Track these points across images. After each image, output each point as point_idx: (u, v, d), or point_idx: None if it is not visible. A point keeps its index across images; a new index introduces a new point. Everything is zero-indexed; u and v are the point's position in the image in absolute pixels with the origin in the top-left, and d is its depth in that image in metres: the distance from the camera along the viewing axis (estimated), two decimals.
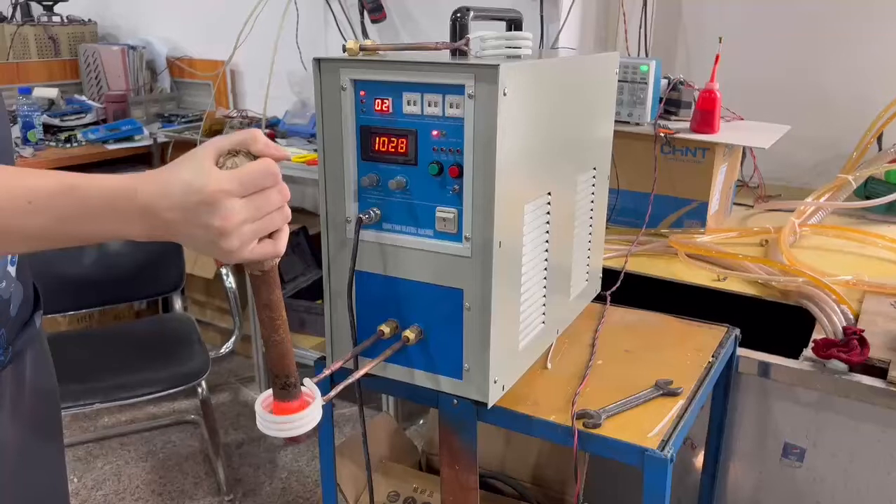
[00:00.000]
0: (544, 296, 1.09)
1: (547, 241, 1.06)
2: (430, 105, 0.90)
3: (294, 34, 2.63)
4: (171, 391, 1.86)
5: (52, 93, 2.90)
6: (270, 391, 0.79)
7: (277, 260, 0.68)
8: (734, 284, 1.56)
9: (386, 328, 0.99)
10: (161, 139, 2.82)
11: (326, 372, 0.91)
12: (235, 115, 2.79)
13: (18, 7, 3.20)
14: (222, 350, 2.07)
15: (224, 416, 2.51)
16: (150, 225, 0.63)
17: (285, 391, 0.75)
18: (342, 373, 0.98)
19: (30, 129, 2.64)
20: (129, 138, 2.79)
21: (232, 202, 0.61)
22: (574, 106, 1.12)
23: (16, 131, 2.66)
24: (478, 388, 0.97)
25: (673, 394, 1.05)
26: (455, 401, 1.01)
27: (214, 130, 2.75)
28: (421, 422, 2.36)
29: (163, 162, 2.85)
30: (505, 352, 0.99)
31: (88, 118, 2.90)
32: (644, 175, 1.85)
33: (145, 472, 2.22)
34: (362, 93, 0.94)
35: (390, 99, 0.92)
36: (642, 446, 0.92)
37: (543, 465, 1.28)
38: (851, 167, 2.05)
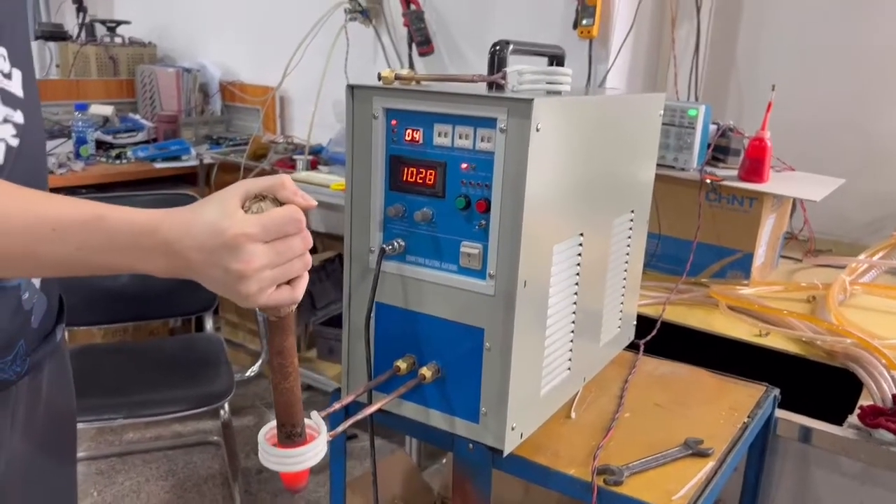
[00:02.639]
0: (571, 341, 1.05)
1: (577, 284, 1.02)
2: (460, 137, 0.87)
3: (343, 64, 2.65)
4: (193, 412, 1.85)
5: (108, 110, 2.98)
6: (274, 423, 0.76)
7: (294, 307, 0.67)
8: (776, 341, 1.49)
9: (402, 364, 0.96)
10: (207, 160, 2.87)
11: (337, 406, 0.88)
12: (281, 140, 2.82)
13: (84, 28, 3.32)
14: (248, 373, 2.05)
15: (246, 440, 2.49)
16: (171, 262, 0.63)
17: (290, 440, 0.72)
18: (357, 406, 0.94)
19: (83, 145, 2.71)
20: (176, 158, 2.84)
21: (254, 247, 0.61)
22: (613, 146, 1.08)
23: (69, 146, 2.73)
24: (494, 434, 0.93)
25: (703, 454, 0.99)
26: (470, 445, 0.97)
27: (259, 154, 2.78)
28: (444, 461, 2.30)
29: (207, 183, 2.89)
30: (525, 397, 0.94)
31: (140, 136, 2.96)
32: (687, 221, 1.80)
33: (164, 491, 2.21)
34: (394, 122, 0.92)
35: (421, 129, 0.90)
36: None
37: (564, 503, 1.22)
38: None
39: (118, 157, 2.78)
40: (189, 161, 2.85)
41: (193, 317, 2.59)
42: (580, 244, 1.01)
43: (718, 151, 1.93)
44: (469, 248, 0.89)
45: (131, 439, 2.46)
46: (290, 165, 2.63)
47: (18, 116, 0.76)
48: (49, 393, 0.95)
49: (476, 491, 0.99)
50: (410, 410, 0.99)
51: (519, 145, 0.83)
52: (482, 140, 0.86)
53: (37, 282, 0.87)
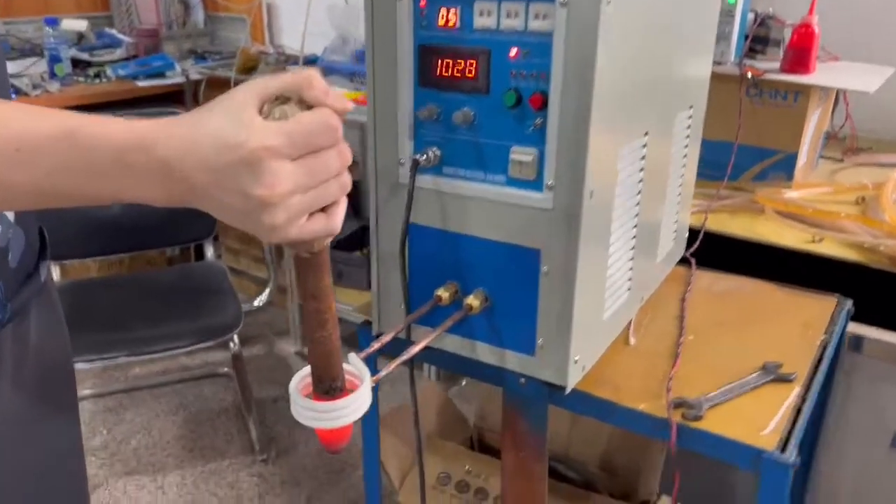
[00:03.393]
0: (632, 259, 0.91)
1: (639, 193, 0.88)
2: (508, 16, 0.71)
3: None
4: (201, 345, 1.74)
5: (82, 25, 2.74)
6: (307, 371, 0.63)
7: (329, 240, 0.53)
8: (831, 247, 1.36)
9: (444, 293, 0.83)
10: (194, 76, 2.66)
11: (376, 345, 0.75)
12: (271, 51, 2.61)
13: None
14: (255, 303, 1.94)
15: (258, 370, 2.40)
16: (170, 188, 0.49)
17: (329, 394, 0.59)
18: (395, 344, 0.82)
19: (57, 63, 2.50)
20: (160, 75, 2.64)
21: (279, 164, 0.46)
22: (679, 30, 0.92)
23: (42, 65, 2.52)
24: (554, 368, 0.81)
25: (785, 379, 0.87)
26: (523, 380, 0.85)
27: (248, 68, 2.57)
28: (463, 383, 2.22)
29: (196, 102, 2.69)
30: (587, 325, 0.81)
31: (119, 53, 2.74)
32: (726, 121, 1.63)
33: (176, 427, 2.13)
34: (422, 2, 0.75)
35: (458, 9, 0.74)
36: (757, 447, 0.75)
37: (614, 450, 1.12)
38: None
39: (97, 76, 2.57)
40: (174, 78, 2.64)
41: (192, 245, 2.46)
42: (644, 146, 0.86)
43: (756, 42, 1.75)
44: (521, 154, 0.74)
45: (138, 374, 2.36)
46: None
47: None
48: (38, 340, 0.82)
49: (530, 429, 0.88)
50: (454, 344, 0.86)
51: (585, 22, 0.67)
52: (536, 18, 0.70)
53: (10, 214, 0.74)
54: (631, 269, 0.92)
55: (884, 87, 1.68)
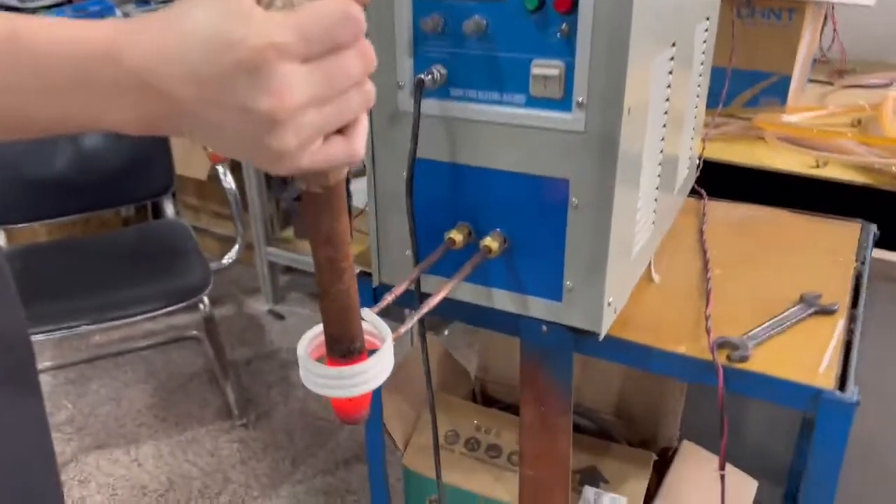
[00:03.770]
0: (657, 187, 0.82)
1: (666, 113, 0.78)
2: None
3: None
4: (168, 309, 1.61)
5: None
6: (318, 332, 0.54)
7: (346, 171, 0.42)
8: (836, 171, 1.29)
9: (457, 235, 0.73)
10: None
11: (390, 297, 0.65)
12: None
13: None
14: (224, 261, 1.81)
15: (228, 331, 2.29)
16: (145, 108, 0.37)
17: (347, 357, 0.50)
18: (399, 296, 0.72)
19: None
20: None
21: (290, 68, 0.35)
22: None
23: None
24: (585, 312, 0.72)
25: (828, 311, 0.80)
26: (544, 328, 0.76)
27: None
28: (446, 332, 2.14)
29: None
30: (619, 263, 0.73)
31: None
32: (716, 46, 1.55)
33: (146, 395, 2.01)
34: None
35: None
36: (815, 386, 0.68)
37: (629, 396, 1.06)
38: None
39: None
40: None
41: (150, 203, 2.30)
42: (672, 58, 0.76)
43: None
44: (545, 67, 0.64)
45: (99, 343, 2.23)
46: None
47: None
48: None
49: (553, 382, 0.80)
50: (468, 293, 0.77)
51: None
52: None
53: None
54: (656, 199, 0.83)
55: (856, 13, 1.61)
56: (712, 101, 1.57)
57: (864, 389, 0.85)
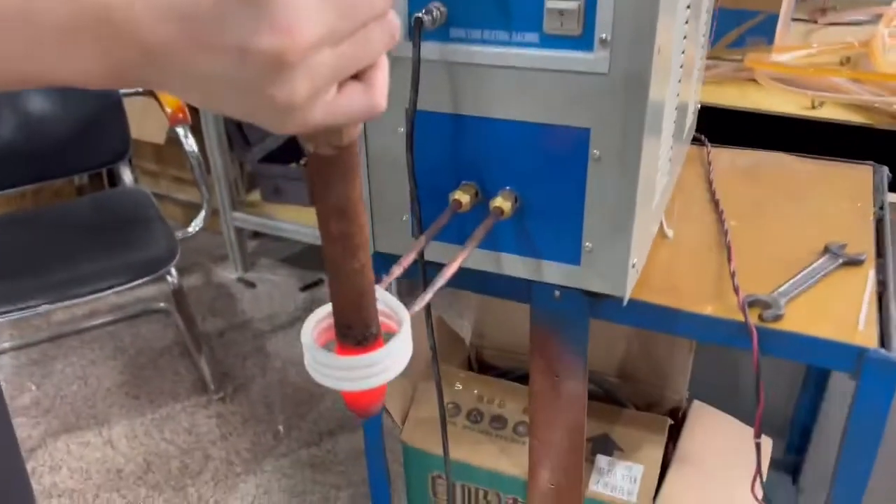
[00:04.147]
0: (673, 134, 0.76)
1: (683, 52, 0.71)
2: None
3: None
4: (134, 283, 1.52)
5: None
6: (322, 313, 0.46)
7: (361, 128, 0.34)
8: (833, 112, 1.24)
9: (463, 196, 0.65)
10: None
11: (397, 271, 0.57)
12: None
13: None
14: (190, 229, 1.71)
15: (198, 302, 2.19)
16: (114, 55, 0.29)
17: (361, 344, 0.43)
18: (386, 263, 0.64)
19: None
20: None
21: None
22: None
23: None
24: (606, 275, 0.66)
25: (856, 262, 0.75)
26: (558, 293, 0.70)
27: None
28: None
29: None
30: (643, 220, 0.66)
31: None
32: None
33: (115, 372, 1.92)
34: None
35: None
36: (857, 345, 0.63)
37: (634, 357, 1.01)
38: None
39: None
40: None
41: (104, 170, 2.17)
42: None
43: None
44: (560, 0, 0.56)
45: (62, 320, 2.12)
46: None
47: None
48: None
49: (568, 350, 0.74)
50: (475, 259, 0.70)
51: None
52: None
53: None
54: (672, 146, 0.76)
55: None
56: None
57: None
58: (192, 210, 2.47)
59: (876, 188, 0.93)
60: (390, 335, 0.47)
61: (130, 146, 1.80)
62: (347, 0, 0.29)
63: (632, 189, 0.60)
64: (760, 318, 0.67)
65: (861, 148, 1.19)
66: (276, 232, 2.19)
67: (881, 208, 0.87)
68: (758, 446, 0.67)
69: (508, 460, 0.90)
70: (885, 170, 0.98)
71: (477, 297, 1.13)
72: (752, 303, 0.68)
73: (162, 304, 2.14)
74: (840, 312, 0.68)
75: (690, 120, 0.95)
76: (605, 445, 0.88)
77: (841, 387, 1.19)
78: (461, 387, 0.97)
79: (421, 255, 0.66)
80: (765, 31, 1.53)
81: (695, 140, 1.06)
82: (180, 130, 1.66)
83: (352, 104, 0.31)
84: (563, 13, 0.56)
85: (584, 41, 0.57)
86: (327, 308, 0.46)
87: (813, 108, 1.27)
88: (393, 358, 0.46)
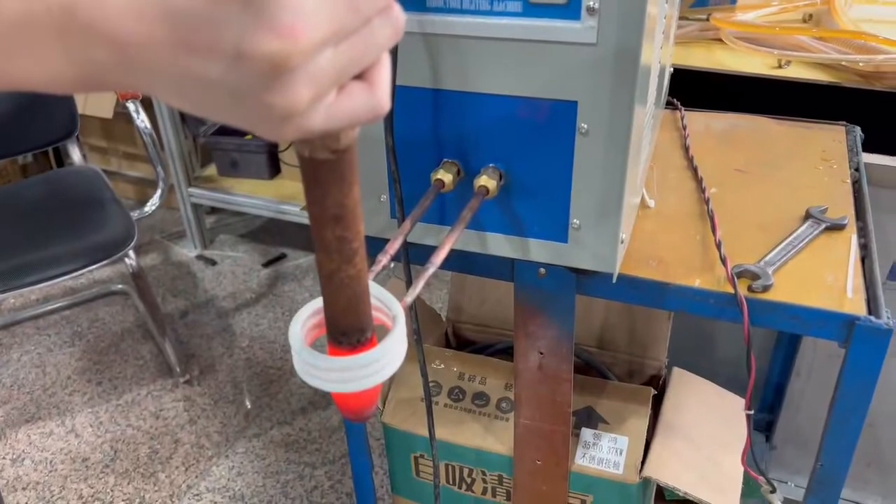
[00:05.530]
0: (654, 102, 0.74)
1: (665, 17, 0.69)
2: None
3: None
4: (91, 268, 1.46)
5: None
6: (311, 310, 0.44)
7: (359, 130, 0.31)
8: (801, 71, 1.24)
9: (445, 175, 0.62)
10: None
11: (384, 260, 0.54)
12: None
13: None
14: (147, 208, 1.64)
15: (157, 281, 2.13)
16: (87, 57, 0.26)
17: (354, 347, 0.40)
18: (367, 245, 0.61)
19: None
20: None
21: None
22: None
23: None
24: (594, 252, 0.64)
25: (838, 226, 0.75)
26: (542, 270, 0.68)
27: None
28: (391, 266, 2.05)
29: None
30: (630, 194, 0.64)
31: None
32: None
33: (74, 359, 1.86)
34: None
35: None
36: (847, 313, 0.63)
37: (612, 327, 1.00)
38: None
39: None
40: None
41: (50, 149, 2.07)
42: None
43: None
44: None
45: (14, 306, 2.04)
46: None
47: None
48: None
49: (554, 326, 0.73)
50: (460, 239, 0.67)
51: None
52: None
53: None
54: (653, 115, 0.74)
55: None
56: None
57: None
58: (145, 187, 2.40)
59: (850, 148, 0.92)
60: (382, 329, 0.44)
61: (78, 122, 1.72)
62: (348, 6, 0.26)
63: (621, 163, 0.58)
64: (749, 289, 0.66)
65: (830, 106, 1.19)
66: (234, 207, 2.14)
67: (856, 169, 0.87)
68: (749, 418, 0.66)
69: (493, 437, 0.89)
70: (858, 130, 0.98)
71: (454, 273, 1.11)
72: (741, 273, 0.67)
73: (120, 286, 2.07)
74: (825, 279, 0.67)
75: (666, 79, 0.93)
76: (589, 418, 0.87)
77: (812, 345, 1.20)
78: (441, 365, 0.95)
79: (404, 239, 0.63)
80: None
81: (668, 104, 1.05)
82: (131, 106, 1.58)
83: (354, 106, 0.28)
84: None
85: (570, 9, 0.54)
86: (312, 306, 0.43)
87: (780, 67, 1.27)
88: (389, 357, 0.43)
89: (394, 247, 0.56)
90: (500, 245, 0.67)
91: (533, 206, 0.63)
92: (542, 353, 0.76)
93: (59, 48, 0.25)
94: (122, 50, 0.25)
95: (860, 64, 1.20)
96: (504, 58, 0.57)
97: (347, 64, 0.27)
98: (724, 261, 0.68)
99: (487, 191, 0.61)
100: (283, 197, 2.04)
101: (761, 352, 1.26)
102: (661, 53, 0.72)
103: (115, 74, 0.26)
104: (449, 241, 0.57)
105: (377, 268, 0.53)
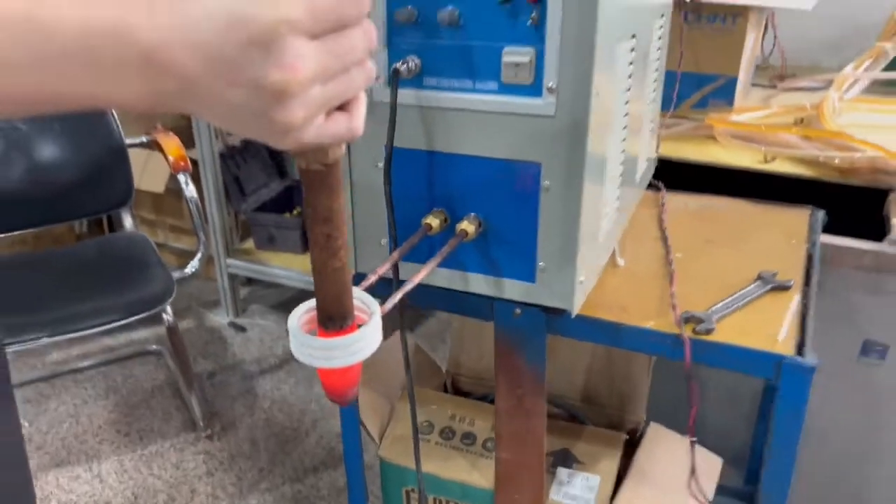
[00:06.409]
0: (622, 174, 0.86)
1: (626, 103, 0.82)
2: None
3: None
4: (131, 319, 1.59)
5: None
6: (306, 307, 0.55)
7: (344, 148, 0.44)
8: (785, 166, 1.36)
9: (433, 220, 0.75)
10: None
11: (372, 278, 0.67)
12: None
13: None
14: (187, 270, 1.79)
15: (190, 344, 2.25)
16: (154, 85, 0.38)
17: (339, 332, 0.52)
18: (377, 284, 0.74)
19: None
20: None
21: (301, 43, 0.37)
22: None
23: None
24: (557, 291, 0.75)
25: (783, 287, 0.85)
26: (517, 310, 0.79)
27: None
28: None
29: None
30: (589, 244, 0.76)
31: None
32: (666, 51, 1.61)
33: (107, 411, 1.97)
34: None
35: None
36: (777, 353, 0.72)
37: (596, 382, 1.09)
38: (890, 33, 1.84)
39: None
40: None
41: (105, 217, 2.27)
42: (632, 49, 0.80)
43: None
44: (516, 55, 0.67)
45: (56, 360, 2.18)
46: None
47: None
48: None
49: (527, 364, 0.83)
50: (443, 278, 0.79)
51: None
52: None
53: None
54: (621, 182, 0.87)
55: (794, 20, 1.70)
56: (664, 104, 1.63)
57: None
58: (187, 257, 2.55)
59: (811, 227, 1.03)
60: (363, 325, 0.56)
61: (133, 192, 1.90)
62: (336, 48, 0.39)
63: (577, 215, 0.70)
64: (694, 331, 0.76)
65: (808, 198, 1.30)
66: (268, 278, 2.28)
67: (813, 244, 0.97)
68: (692, 444, 0.75)
69: (478, 473, 0.97)
70: (821, 213, 1.09)
71: (455, 329, 1.22)
72: (688, 319, 0.77)
73: (154, 347, 2.21)
74: (765, 328, 0.77)
75: (644, 166, 1.05)
76: (565, 459, 0.95)
77: None
78: (436, 407, 1.05)
79: (395, 271, 0.75)
80: (726, 93, 1.67)
81: (652, 186, 1.17)
82: (181, 177, 1.76)
83: (337, 128, 0.41)
84: (517, 66, 0.67)
85: (534, 89, 0.68)
86: (306, 304, 0.55)
87: (766, 161, 1.40)
88: (366, 340, 0.54)
89: (382, 269, 0.68)
90: (479, 284, 0.78)
91: (507, 249, 0.75)
92: (520, 388, 0.86)
93: (141, 79, 0.38)
94: (182, 81, 0.38)
95: (836, 160, 1.32)
96: (483, 126, 0.71)
97: (332, 97, 0.40)
98: (674, 307, 0.79)
99: (466, 234, 0.73)
100: None
101: (745, 423, 1.32)
102: (628, 140, 0.85)
103: (176, 100, 0.39)
104: (425, 269, 0.69)
105: (366, 283, 0.65)
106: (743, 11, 1.58)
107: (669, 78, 1.63)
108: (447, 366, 1.20)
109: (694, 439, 0.74)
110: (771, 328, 0.77)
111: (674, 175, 1.34)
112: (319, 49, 0.38)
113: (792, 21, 1.65)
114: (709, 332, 0.75)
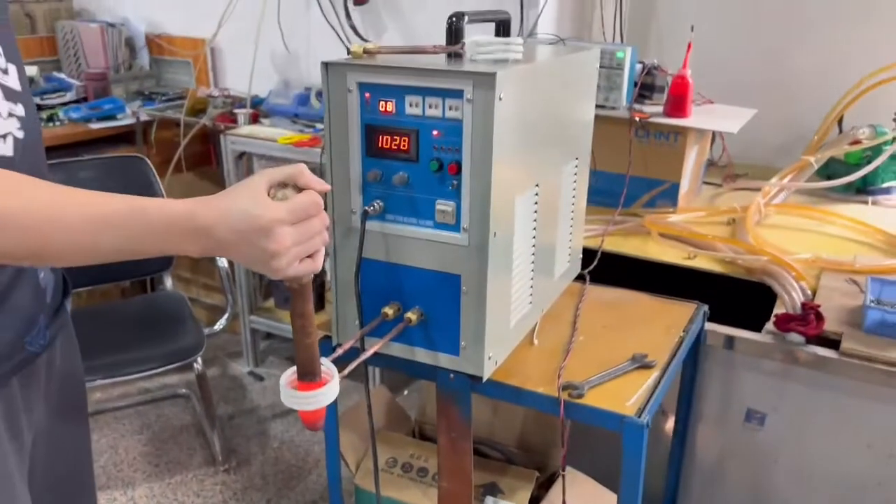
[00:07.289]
0: (532, 278, 1.19)
1: (535, 229, 1.16)
2: (430, 107, 0.98)
3: (276, 13, 2.66)
4: (168, 367, 1.93)
5: (32, 71, 2.90)
6: (292, 370, 0.88)
7: (312, 276, 0.78)
8: (703, 262, 1.67)
9: (389, 310, 1.08)
10: (143, 118, 2.84)
11: (339, 351, 1.00)
12: (217, 94, 2.82)
13: None
14: (216, 327, 2.14)
15: (214, 389, 2.59)
16: (205, 244, 0.72)
17: (311, 385, 0.84)
18: (353, 351, 1.06)
19: None
20: (111, 117, 2.81)
21: (284, 229, 0.71)
22: (560, 102, 1.21)
23: None
24: (474, 363, 1.07)
25: (648, 366, 1.16)
26: (452, 375, 1.11)
27: (197, 109, 2.78)
28: (405, 392, 2.47)
29: (146, 140, 2.88)
30: (498, 330, 1.08)
31: (69, 96, 2.90)
32: (619, 157, 1.94)
33: (141, 445, 2.30)
34: (367, 94, 1.01)
35: (394, 101, 1.00)
36: (621, 414, 1.03)
37: (529, 432, 1.39)
38: (814, 148, 2.17)
39: (50, 119, 2.72)
40: (125, 119, 2.82)
41: (148, 278, 2.64)
42: (537, 194, 1.14)
43: (645, 89, 2.07)
44: (444, 206, 1.01)
45: (99, 399, 2.52)
46: (230, 119, 2.65)
47: (20, 109, 0.82)
48: (61, 363, 1.02)
49: (459, 414, 1.14)
50: (398, 350, 1.12)
51: (485, 113, 0.94)
52: (450, 109, 0.97)
53: None
54: (531, 286, 1.19)
55: (754, 123, 2.02)
56: (614, 202, 1.96)
57: (704, 421, 1.19)
58: (216, 312, 2.92)
59: (691, 319, 1.34)
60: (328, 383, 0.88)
61: (174, 258, 2.27)
62: (305, 229, 0.73)
63: (483, 312, 1.03)
64: (569, 395, 1.07)
65: (723, 289, 1.61)
66: (285, 333, 2.62)
67: (685, 332, 1.28)
68: (563, 476, 1.05)
69: (428, 500, 1.28)
70: (705, 307, 1.40)
71: (424, 389, 1.54)
72: (566, 386, 1.09)
73: (183, 390, 2.54)
74: (622, 395, 1.08)
75: (566, 265, 1.38)
76: (492, 489, 1.25)
77: (698, 463, 1.54)
78: (400, 447, 1.36)
79: (362, 344, 1.08)
80: (671, 196, 2.00)
81: (581, 278, 1.49)
82: None
83: (306, 267, 0.75)
84: (444, 212, 1.01)
85: (456, 227, 1.01)
86: (291, 370, 0.87)
87: (689, 258, 1.71)
88: (329, 393, 0.87)
89: (347, 346, 1.01)
90: (422, 355, 1.11)
91: (440, 332, 1.08)
92: (454, 433, 1.17)
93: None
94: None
95: (739, 261, 1.63)
96: (423, 248, 1.04)
97: (302, 252, 0.74)
98: (559, 377, 1.10)
99: (411, 320, 1.06)
100: (325, 326, 2.53)
101: (657, 472, 1.60)
102: (541, 255, 1.18)
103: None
104: (377, 345, 1.02)
105: (336, 354, 0.98)
106: (683, 131, 1.92)
107: (619, 180, 1.98)
108: (415, 415, 1.51)
109: (564, 472, 1.04)
110: (626, 395, 1.08)
111: (615, 266, 1.66)
112: (295, 230, 0.72)
113: (746, 126, 1.95)
114: (579, 396, 1.07)
